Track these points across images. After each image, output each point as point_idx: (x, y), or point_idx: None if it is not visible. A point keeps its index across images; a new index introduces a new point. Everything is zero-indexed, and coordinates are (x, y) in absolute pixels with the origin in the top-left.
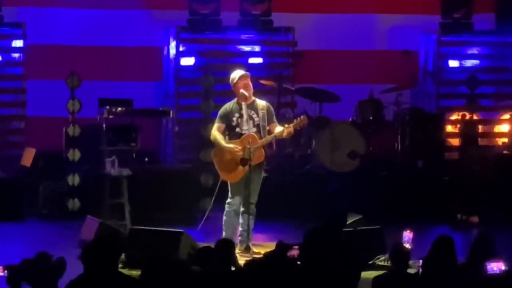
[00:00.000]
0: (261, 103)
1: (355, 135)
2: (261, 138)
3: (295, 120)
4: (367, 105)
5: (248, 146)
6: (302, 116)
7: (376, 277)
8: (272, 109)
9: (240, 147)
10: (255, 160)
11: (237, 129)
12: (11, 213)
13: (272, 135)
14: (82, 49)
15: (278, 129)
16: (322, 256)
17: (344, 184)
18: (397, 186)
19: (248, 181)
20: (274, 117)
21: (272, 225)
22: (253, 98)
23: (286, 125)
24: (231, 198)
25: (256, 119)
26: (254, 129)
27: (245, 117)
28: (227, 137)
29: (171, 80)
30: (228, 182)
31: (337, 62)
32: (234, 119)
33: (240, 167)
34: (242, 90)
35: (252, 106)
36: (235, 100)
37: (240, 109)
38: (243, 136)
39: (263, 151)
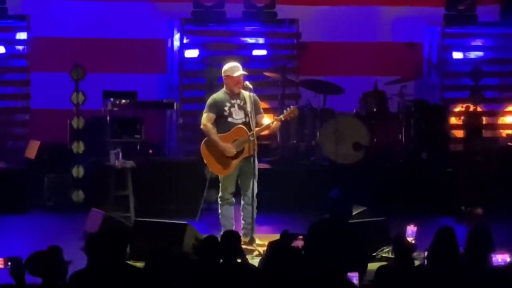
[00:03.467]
0: (247, 93)
1: (359, 127)
2: (250, 129)
3: (284, 111)
4: (371, 97)
5: (239, 139)
6: (292, 107)
7: (379, 267)
8: (258, 99)
9: (233, 147)
10: (246, 153)
11: (229, 119)
12: (15, 205)
13: (262, 127)
14: (86, 42)
15: (267, 120)
16: (327, 247)
17: (347, 182)
18: (401, 178)
19: (242, 174)
20: (261, 108)
21: (276, 217)
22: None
23: (275, 117)
24: (222, 192)
25: (247, 109)
26: (247, 118)
27: (236, 106)
28: (216, 127)
29: (175, 72)
30: (219, 176)
31: (341, 54)
32: (226, 108)
33: (231, 161)
34: (246, 82)
35: (241, 96)
36: (223, 90)
37: (231, 98)
38: (233, 129)
39: (255, 143)
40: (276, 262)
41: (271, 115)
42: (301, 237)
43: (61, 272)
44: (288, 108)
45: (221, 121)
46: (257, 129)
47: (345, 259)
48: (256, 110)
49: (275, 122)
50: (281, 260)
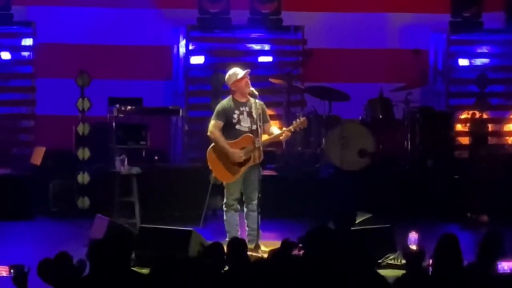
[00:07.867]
0: (254, 101)
1: (364, 134)
2: (257, 136)
3: (294, 122)
4: (376, 103)
5: (247, 147)
6: (302, 118)
7: (396, 280)
8: (265, 107)
9: (242, 153)
10: (254, 160)
11: (237, 126)
12: (20, 211)
13: (271, 137)
14: (91, 48)
15: (276, 130)
16: (324, 254)
17: (351, 182)
18: (406, 185)
19: (247, 181)
20: (268, 116)
21: (282, 224)
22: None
23: (285, 128)
24: (227, 198)
25: (255, 116)
26: (254, 126)
27: (245, 114)
28: (224, 134)
29: (180, 79)
30: (224, 183)
31: (347, 61)
32: (235, 116)
33: (238, 168)
34: (251, 88)
35: (249, 104)
36: (230, 97)
37: (239, 106)
38: (242, 136)
39: (261, 151)
40: (277, 270)
41: (277, 122)
42: (301, 245)
43: (73, 278)
44: (297, 119)
45: (229, 128)
46: (266, 138)
47: (346, 266)
48: (263, 119)
49: (284, 133)
50: (281, 268)
